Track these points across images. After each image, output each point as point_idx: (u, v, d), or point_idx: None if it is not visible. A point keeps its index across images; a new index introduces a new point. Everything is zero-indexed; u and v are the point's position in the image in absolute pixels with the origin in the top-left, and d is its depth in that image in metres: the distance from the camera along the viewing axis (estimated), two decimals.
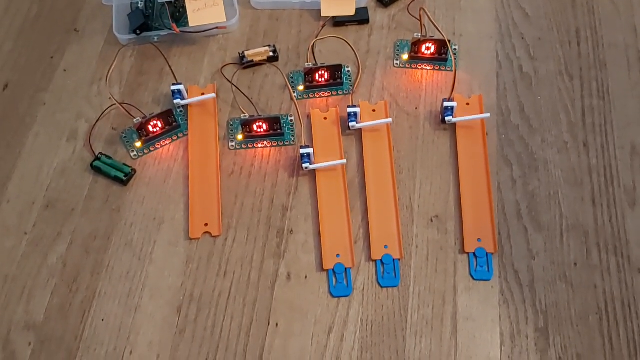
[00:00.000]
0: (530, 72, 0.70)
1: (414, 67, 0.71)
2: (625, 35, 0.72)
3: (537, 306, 0.57)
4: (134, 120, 0.65)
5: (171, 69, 0.70)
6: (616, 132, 0.66)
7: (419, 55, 0.70)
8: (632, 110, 0.67)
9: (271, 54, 0.72)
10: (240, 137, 0.67)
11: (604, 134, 0.66)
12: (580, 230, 0.61)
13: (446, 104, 0.65)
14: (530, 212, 0.62)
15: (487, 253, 0.59)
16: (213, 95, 0.68)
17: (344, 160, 0.63)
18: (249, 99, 0.68)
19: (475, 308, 0.57)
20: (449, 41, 0.68)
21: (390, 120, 0.65)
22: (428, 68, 0.71)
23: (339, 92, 0.69)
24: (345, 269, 0.59)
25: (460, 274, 0.59)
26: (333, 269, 0.59)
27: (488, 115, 0.65)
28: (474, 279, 0.59)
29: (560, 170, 0.64)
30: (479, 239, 0.60)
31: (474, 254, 0.60)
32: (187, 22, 0.70)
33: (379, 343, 0.56)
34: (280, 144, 0.66)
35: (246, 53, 0.71)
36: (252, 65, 0.72)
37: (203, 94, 0.70)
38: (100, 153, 0.66)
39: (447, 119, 0.65)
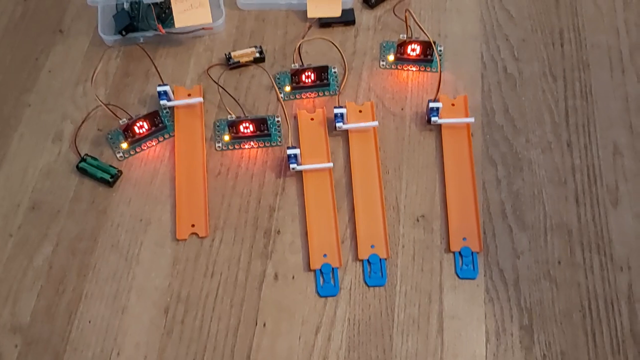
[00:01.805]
0: (515, 73, 0.71)
1: (399, 68, 0.71)
2: (608, 37, 0.73)
3: (521, 304, 0.58)
4: (120, 121, 0.65)
5: (157, 70, 0.70)
6: (599, 132, 0.67)
7: (405, 56, 0.71)
8: (615, 111, 0.68)
9: (257, 55, 0.72)
10: (227, 138, 0.67)
11: (587, 134, 0.67)
12: (564, 229, 0.61)
13: (432, 104, 0.65)
14: (515, 212, 0.62)
15: (472, 252, 0.60)
16: (200, 99, 0.68)
17: (331, 164, 0.63)
18: (235, 100, 0.68)
19: (461, 306, 0.58)
20: (434, 42, 0.69)
21: (376, 123, 0.65)
22: (414, 69, 0.71)
23: (326, 93, 0.70)
24: (333, 268, 0.59)
25: (446, 272, 0.60)
26: (320, 269, 0.59)
27: (472, 120, 0.66)
28: (459, 277, 0.59)
29: (544, 170, 0.65)
30: (464, 238, 0.61)
31: (460, 253, 0.60)
32: (173, 23, 0.70)
33: (366, 342, 0.57)
34: (267, 144, 0.67)
35: (232, 54, 0.72)
36: (238, 66, 0.72)
37: (189, 95, 0.70)
38: (86, 154, 0.66)
39: (432, 119, 0.66)
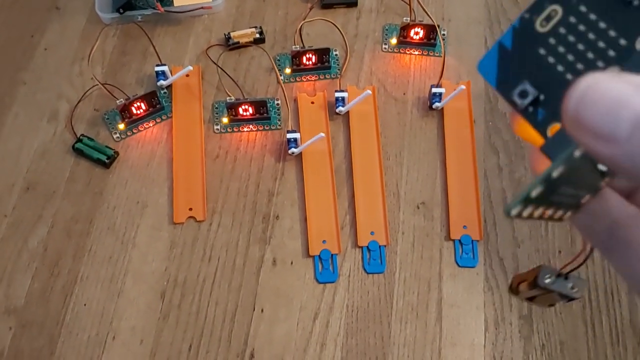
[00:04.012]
0: None
1: (402, 51, 0.70)
2: None
3: None
4: (117, 101, 0.64)
5: (155, 50, 0.68)
6: None
7: (408, 39, 0.69)
8: None
9: (257, 35, 0.71)
10: (225, 120, 0.66)
11: None
12: None
13: (434, 90, 0.64)
14: None
15: (472, 240, 0.60)
16: (190, 68, 0.65)
17: (322, 134, 0.61)
18: (234, 82, 0.67)
19: (460, 295, 0.58)
20: (438, 26, 0.67)
21: (369, 92, 0.63)
22: (416, 53, 0.70)
23: (327, 76, 0.69)
24: (332, 255, 0.59)
25: (446, 260, 0.59)
26: (319, 255, 0.59)
27: (463, 87, 0.64)
28: (459, 265, 0.59)
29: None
30: (464, 226, 0.60)
31: (460, 241, 0.60)
32: (172, 2, 0.69)
33: (364, 329, 0.56)
34: (267, 128, 0.66)
35: (232, 34, 0.70)
36: (238, 46, 0.70)
37: (188, 75, 0.68)
38: (82, 135, 0.65)
39: (435, 105, 0.65)
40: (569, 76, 0.20)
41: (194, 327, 0.56)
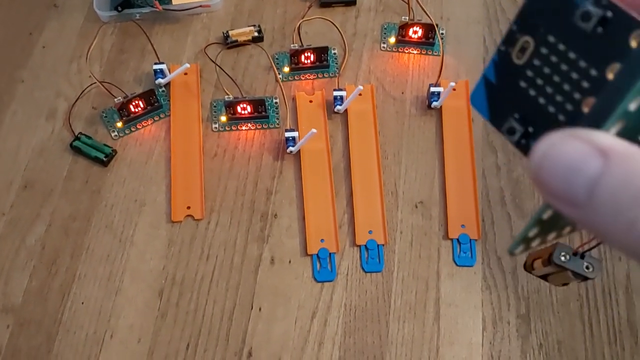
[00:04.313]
0: None
1: (400, 50, 0.70)
2: None
3: (519, 292, 0.58)
4: (115, 99, 0.64)
5: (153, 48, 0.68)
6: None
7: (406, 38, 0.69)
8: None
9: (256, 34, 0.70)
10: (223, 118, 0.66)
11: None
12: None
13: (433, 89, 0.64)
14: (514, 199, 0.62)
15: (470, 239, 0.60)
16: (187, 65, 0.65)
17: (314, 130, 0.60)
18: (232, 80, 0.67)
19: (458, 294, 0.58)
20: (437, 25, 0.67)
21: (361, 87, 0.62)
22: (415, 52, 0.70)
23: (325, 75, 0.69)
24: (330, 254, 0.59)
25: (444, 259, 0.59)
26: (317, 254, 0.59)
27: (453, 84, 0.63)
28: (457, 265, 0.59)
29: None
30: (462, 225, 0.60)
31: (458, 240, 0.60)
32: (170, 0, 0.69)
33: (362, 328, 0.56)
34: (265, 126, 0.66)
35: (230, 33, 0.70)
36: (236, 45, 0.70)
37: (186, 74, 0.68)
38: (80, 133, 0.65)
39: (433, 104, 0.65)
40: (551, 109, 0.20)
41: (192, 325, 0.56)
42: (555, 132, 0.17)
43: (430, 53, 0.70)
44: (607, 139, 0.16)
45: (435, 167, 0.64)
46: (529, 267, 0.28)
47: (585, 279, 0.26)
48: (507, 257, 0.59)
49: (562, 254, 0.26)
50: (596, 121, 0.18)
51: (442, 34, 0.71)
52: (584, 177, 0.16)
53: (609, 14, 0.18)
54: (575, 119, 0.19)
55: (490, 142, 0.65)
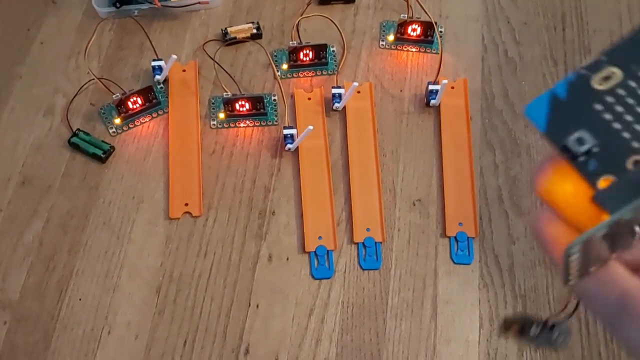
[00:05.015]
0: (515, 56, 0.70)
1: (399, 48, 0.70)
2: (610, 22, 0.72)
3: (516, 290, 0.58)
4: (113, 96, 0.64)
5: (152, 44, 0.68)
6: None
7: (405, 36, 0.69)
8: None
9: (255, 31, 0.70)
10: (222, 115, 0.66)
11: None
12: None
13: (431, 87, 0.64)
14: (512, 197, 0.62)
15: (468, 237, 0.60)
16: (174, 57, 0.64)
17: (310, 127, 0.60)
18: (231, 77, 0.67)
19: (455, 291, 0.58)
20: (436, 23, 0.67)
21: (356, 84, 0.62)
22: (414, 50, 0.70)
23: (324, 72, 0.69)
24: (327, 251, 0.59)
25: (441, 257, 0.59)
26: (315, 251, 0.59)
27: (445, 82, 0.63)
28: (454, 262, 0.59)
29: (542, 155, 0.64)
30: (460, 223, 0.60)
31: (455, 238, 0.60)
32: None
33: (359, 325, 0.56)
34: (263, 123, 0.66)
35: (229, 29, 0.70)
36: (234, 42, 0.70)
37: (184, 70, 0.68)
38: (78, 129, 0.64)
39: (431, 102, 0.65)
40: (625, 135, 0.21)
41: (189, 322, 0.56)
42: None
43: (428, 51, 0.70)
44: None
45: (433, 165, 0.64)
46: (505, 331, 0.29)
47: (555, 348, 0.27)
48: (504, 255, 0.59)
49: (532, 327, 0.27)
50: None
51: (440, 31, 0.71)
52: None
53: None
54: None
55: (488, 141, 0.65)
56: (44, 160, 0.64)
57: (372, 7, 0.73)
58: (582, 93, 0.22)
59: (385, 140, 0.65)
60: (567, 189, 0.21)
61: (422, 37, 0.69)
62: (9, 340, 0.56)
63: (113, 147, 0.64)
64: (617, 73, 0.21)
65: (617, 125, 0.21)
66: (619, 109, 0.21)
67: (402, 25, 0.69)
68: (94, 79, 0.66)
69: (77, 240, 0.60)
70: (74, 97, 0.67)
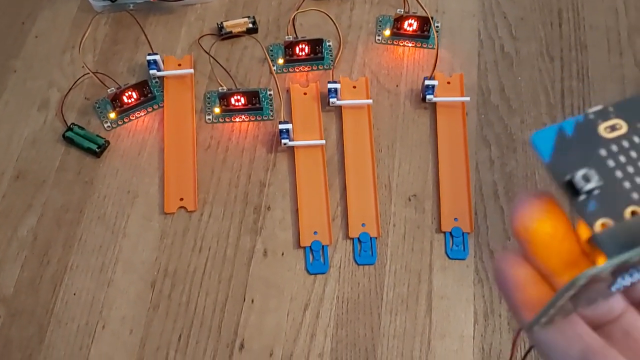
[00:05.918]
0: (512, 52, 0.70)
1: (395, 43, 0.70)
2: (607, 18, 0.72)
3: None
4: (108, 90, 0.63)
5: (147, 39, 0.68)
6: None
7: (401, 31, 0.69)
8: (611, 93, 0.68)
9: (250, 25, 0.70)
10: (217, 110, 0.65)
11: None
12: None
13: (427, 82, 0.64)
14: (507, 193, 0.62)
15: (463, 232, 0.60)
16: (191, 71, 0.66)
17: (323, 141, 0.62)
18: (227, 72, 0.67)
19: (450, 287, 0.58)
20: (432, 18, 0.67)
21: (371, 101, 0.64)
22: (410, 45, 0.70)
23: (320, 67, 0.68)
24: (323, 246, 0.59)
25: (436, 252, 0.59)
26: (310, 246, 0.59)
27: (468, 99, 0.65)
28: (449, 258, 0.59)
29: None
30: (455, 219, 0.60)
31: (450, 233, 0.60)
32: None
33: (354, 320, 0.56)
34: (259, 118, 0.65)
35: (225, 24, 0.70)
36: (230, 36, 0.70)
37: (180, 65, 0.68)
38: (73, 123, 0.64)
39: (427, 97, 0.65)
40: (626, 184, 0.21)
41: (184, 317, 0.56)
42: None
43: (425, 46, 0.70)
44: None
45: (429, 160, 0.64)
46: None
47: None
48: (499, 250, 0.59)
49: None
50: None
51: (437, 27, 0.71)
52: None
53: None
54: None
55: (484, 136, 0.65)
56: (38, 154, 0.64)
57: (369, 2, 0.73)
58: (589, 136, 0.22)
59: (381, 135, 0.65)
60: (546, 229, 0.21)
61: (418, 32, 0.69)
62: (3, 335, 0.55)
63: (108, 142, 0.64)
64: (623, 126, 0.22)
65: (619, 174, 0.21)
66: (622, 159, 0.21)
67: (399, 20, 0.68)
68: (88, 73, 0.66)
69: (72, 234, 0.60)
70: (69, 91, 0.67)
